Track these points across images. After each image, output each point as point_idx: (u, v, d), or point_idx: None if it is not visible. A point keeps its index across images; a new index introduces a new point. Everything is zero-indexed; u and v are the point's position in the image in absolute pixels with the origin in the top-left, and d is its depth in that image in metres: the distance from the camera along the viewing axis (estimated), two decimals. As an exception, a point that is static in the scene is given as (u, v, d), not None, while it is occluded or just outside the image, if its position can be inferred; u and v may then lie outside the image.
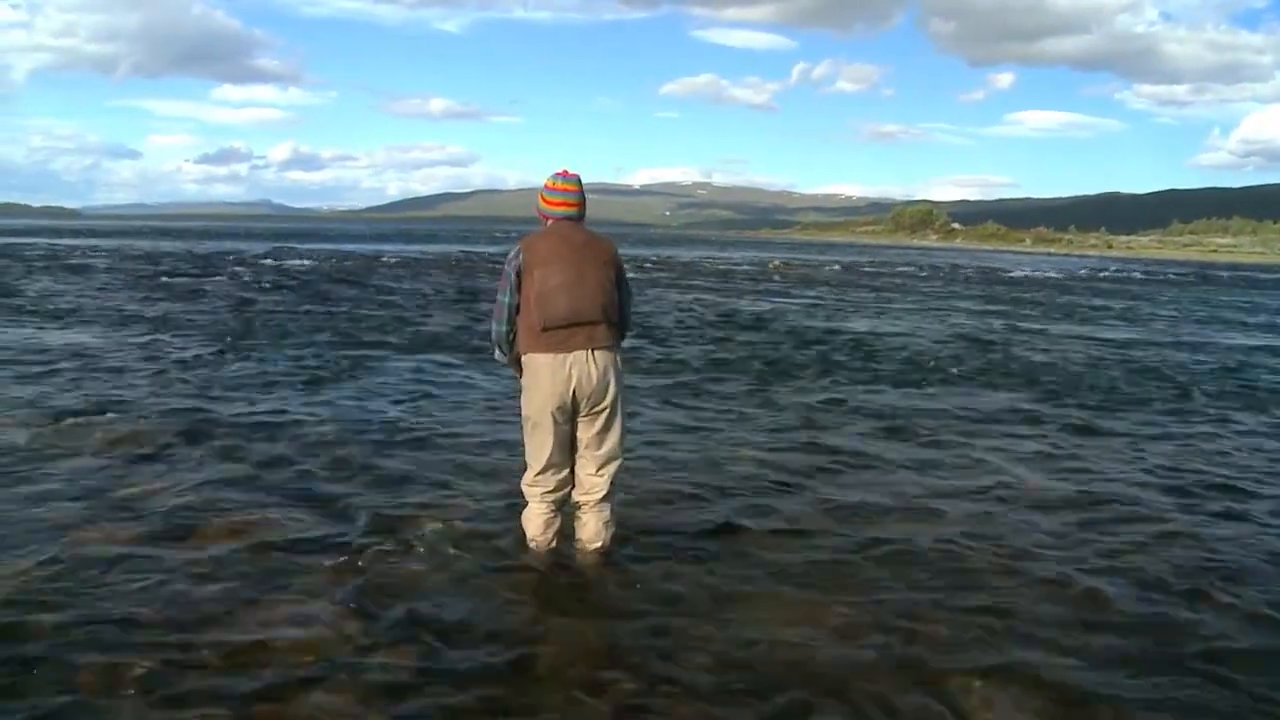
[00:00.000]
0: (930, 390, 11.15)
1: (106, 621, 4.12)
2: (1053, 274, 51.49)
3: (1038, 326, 20.10)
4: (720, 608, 4.56)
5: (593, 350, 4.75)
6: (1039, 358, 14.70)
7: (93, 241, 51.02)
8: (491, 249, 55.73)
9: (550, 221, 4.96)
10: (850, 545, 5.50)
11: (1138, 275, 54.53)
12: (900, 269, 50.12)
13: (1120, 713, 3.72)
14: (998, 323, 20.61)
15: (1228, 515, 6.40)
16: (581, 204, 5.00)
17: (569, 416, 4.84)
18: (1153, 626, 4.52)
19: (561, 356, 4.72)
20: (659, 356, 12.99)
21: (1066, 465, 7.64)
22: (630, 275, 5.08)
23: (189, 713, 3.44)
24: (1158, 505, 6.58)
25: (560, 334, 4.72)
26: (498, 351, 5.04)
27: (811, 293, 28.70)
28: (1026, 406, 10.22)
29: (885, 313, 22.44)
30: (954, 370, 12.80)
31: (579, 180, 5.01)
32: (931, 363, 13.51)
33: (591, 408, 4.82)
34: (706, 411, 9.31)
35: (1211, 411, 10.43)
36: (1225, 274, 61.34)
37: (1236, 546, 5.73)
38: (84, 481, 6.15)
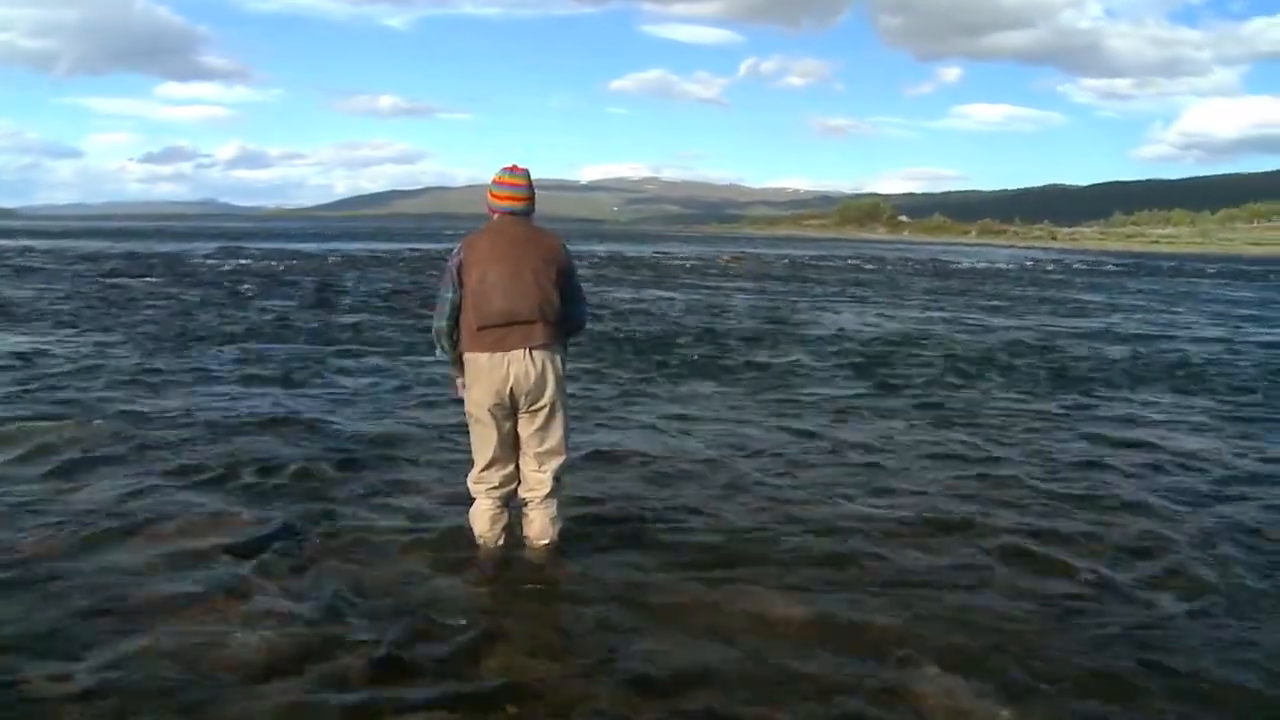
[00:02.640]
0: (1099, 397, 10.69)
1: (49, 628, 4.06)
2: (1028, 266, 52.16)
3: (1072, 323, 19.72)
4: (672, 601, 4.56)
5: (530, 349, 4.73)
6: (1113, 353, 14.63)
7: (36, 243, 49.99)
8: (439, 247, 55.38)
9: (496, 216, 4.92)
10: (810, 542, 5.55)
11: (1105, 267, 55.27)
12: (861, 263, 50.40)
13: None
14: (1028, 320, 20.12)
15: None
16: (528, 199, 4.95)
17: (509, 414, 4.84)
18: None
19: (499, 356, 4.71)
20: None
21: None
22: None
23: (134, 718, 3.40)
24: None
25: (496, 333, 4.70)
26: (438, 349, 5.00)
27: (823, 289, 28.70)
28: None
29: (926, 309, 22.34)
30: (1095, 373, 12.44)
31: (527, 174, 4.95)
32: (1017, 362, 13.33)
33: (530, 405, 4.81)
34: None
35: None
36: (1200, 265, 62.19)
37: None
38: (28, 484, 6.05)
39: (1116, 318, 21.41)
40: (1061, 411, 9.67)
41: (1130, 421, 9.27)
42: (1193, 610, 4.64)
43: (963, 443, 8.06)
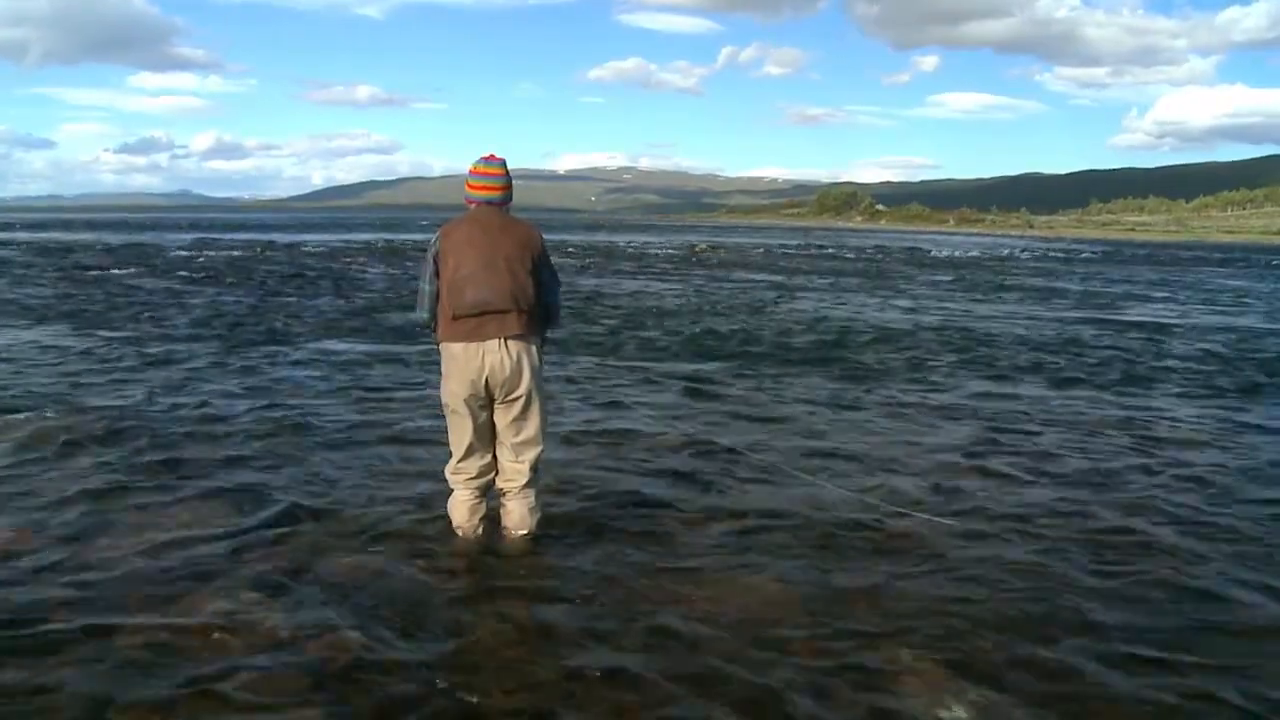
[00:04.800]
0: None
1: (23, 623, 4.02)
2: (1019, 254, 52.08)
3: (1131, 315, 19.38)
4: (651, 589, 4.55)
5: (505, 339, 4.73)
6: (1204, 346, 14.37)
7: (19, 235, 49.50)
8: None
9: (473, 206, 4.92)
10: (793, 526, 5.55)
11: (1084, 255, 55.52)
12: (858, 253, 50.36)
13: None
14: (1079, 312, 19.71)
15: None
16: (505, 188, 4.95)
17: (485, 404, 4.84)
18: None
19: (475, 345, 4.72)
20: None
21: None
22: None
23: (115, 712, 3.38)
24: None
25: (471, 322, 4.71)
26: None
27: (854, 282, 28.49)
28: None
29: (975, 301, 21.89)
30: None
31: (503, 164, 4.96)
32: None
33: (506, 395, 4.81)
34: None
35: None
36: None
37: None
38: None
39: (1169, 307, 21.30)
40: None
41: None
42: None
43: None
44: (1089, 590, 4.69)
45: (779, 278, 28.71)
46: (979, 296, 23.35)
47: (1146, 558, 5.16)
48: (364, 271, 26.82)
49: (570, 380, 9.81)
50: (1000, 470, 6.83)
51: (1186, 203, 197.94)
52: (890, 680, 3.75)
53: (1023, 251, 57.84)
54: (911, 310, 19.20)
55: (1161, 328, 17.13)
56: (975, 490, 6.32)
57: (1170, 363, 12.66)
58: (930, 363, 12.03)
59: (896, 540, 5.31)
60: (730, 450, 7.02)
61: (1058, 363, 12.32)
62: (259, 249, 37.86)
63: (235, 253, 34.87)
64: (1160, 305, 22.29)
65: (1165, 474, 6.88)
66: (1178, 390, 10.55)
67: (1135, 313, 20.04)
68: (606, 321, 15.71)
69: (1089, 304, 22.08)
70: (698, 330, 14.87)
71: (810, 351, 12.79)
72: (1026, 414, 8.90)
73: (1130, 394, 10.20)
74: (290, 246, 41.00)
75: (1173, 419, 8.88)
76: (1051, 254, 54.97)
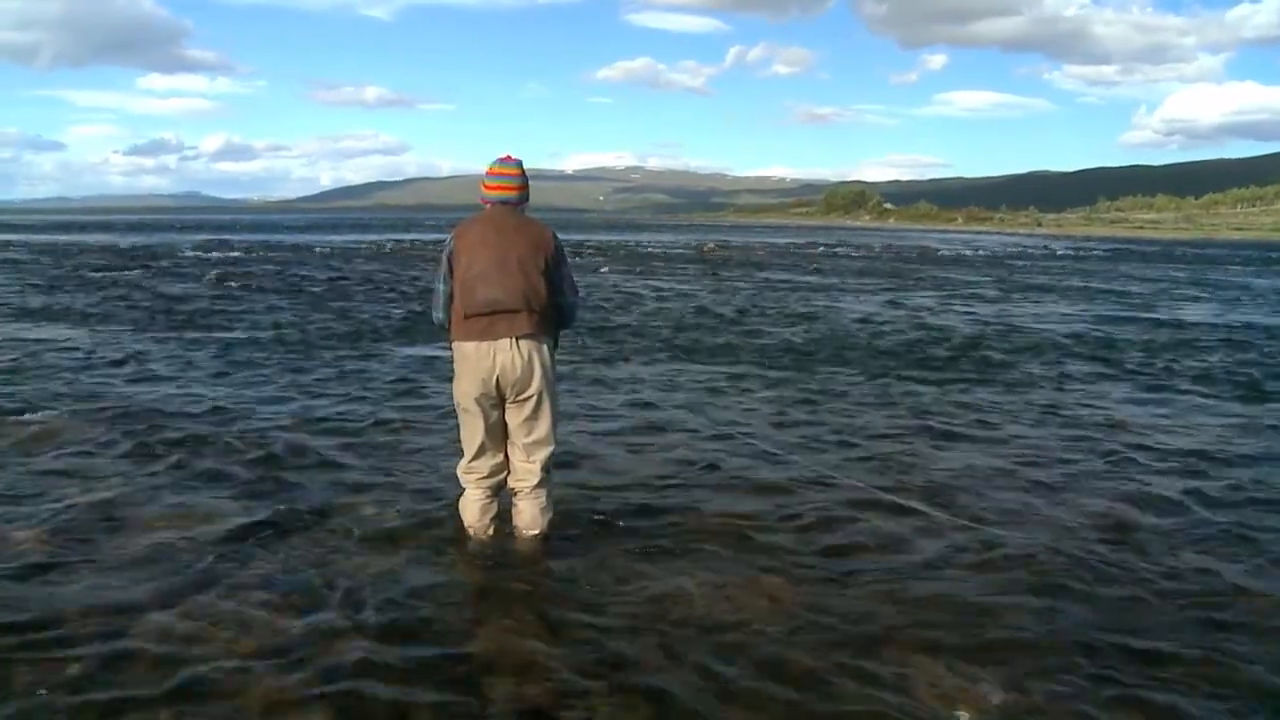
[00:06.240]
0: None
1: (37, 620, 4.04)
2: (1043, 252, 51.72)
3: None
4: (660, 590, 4.55)
5: (516, 338, 4.73)
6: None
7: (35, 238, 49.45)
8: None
9: (488, 206, 4.93)
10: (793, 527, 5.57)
11: (1095, 252, 55.28)
12: (878, 253, 50.06)
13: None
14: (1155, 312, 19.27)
15: None
16: (520, 188, 4.95)
17: (496, 404, 4.84)
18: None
19: (486, 345, 4.72)
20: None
21: None
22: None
23: (124, 710, 3.40)
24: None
25: (482, 322, 4.71)
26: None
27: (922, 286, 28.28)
28: None
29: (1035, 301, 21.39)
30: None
31: (519, 164, 4.96)
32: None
33: (517, 395, 4.80)
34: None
35: None
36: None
37: None
38: (10, 479, 6.04)
39: (1227, 309, 20.86)
40: None
41: None
42: None
43: None
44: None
45: (812, 278, 28.22)
46: (1024, 296, 22.87)
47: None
48: (393, 271, 26.78)
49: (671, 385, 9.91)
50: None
51: (1195, 200, 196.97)
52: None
53: (1038, 250, 57.53)
54: (967, 312, 18.65)
55: (1249, 329, 16.67)
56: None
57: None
58: (1036, 368, 11.58)
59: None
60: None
61: (1176, 366, 11.93)
62: (282, 250, 38.03)
63: (258, 254, 34.94)
64: (1214, 306, 21.70)
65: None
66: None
67: (1196, 313, 19.52)
68: (662, 327, 15.32)
69: (1140, 304, 21.54)
70: (771, 336, 14.59)
71: (897, 359, 12.20)
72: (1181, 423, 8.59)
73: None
74: (310, 248, 40.96)
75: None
76: (1067, 252, 54.60)
